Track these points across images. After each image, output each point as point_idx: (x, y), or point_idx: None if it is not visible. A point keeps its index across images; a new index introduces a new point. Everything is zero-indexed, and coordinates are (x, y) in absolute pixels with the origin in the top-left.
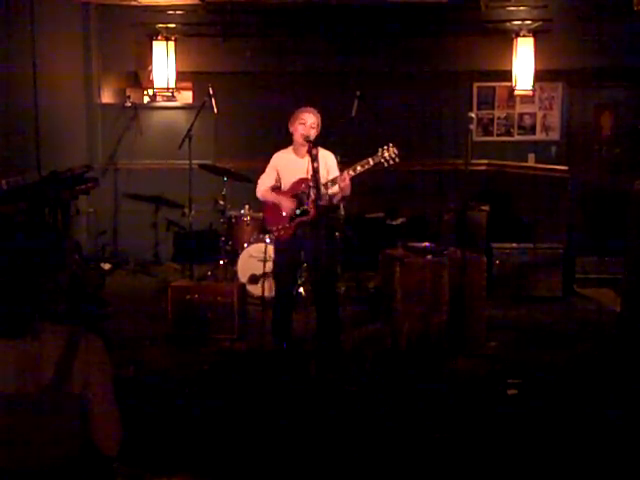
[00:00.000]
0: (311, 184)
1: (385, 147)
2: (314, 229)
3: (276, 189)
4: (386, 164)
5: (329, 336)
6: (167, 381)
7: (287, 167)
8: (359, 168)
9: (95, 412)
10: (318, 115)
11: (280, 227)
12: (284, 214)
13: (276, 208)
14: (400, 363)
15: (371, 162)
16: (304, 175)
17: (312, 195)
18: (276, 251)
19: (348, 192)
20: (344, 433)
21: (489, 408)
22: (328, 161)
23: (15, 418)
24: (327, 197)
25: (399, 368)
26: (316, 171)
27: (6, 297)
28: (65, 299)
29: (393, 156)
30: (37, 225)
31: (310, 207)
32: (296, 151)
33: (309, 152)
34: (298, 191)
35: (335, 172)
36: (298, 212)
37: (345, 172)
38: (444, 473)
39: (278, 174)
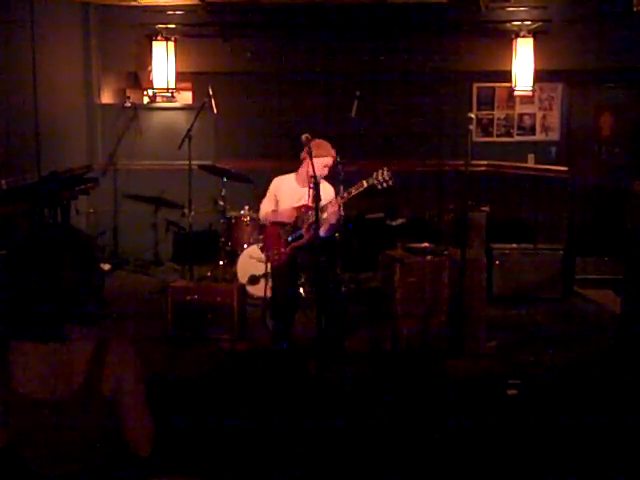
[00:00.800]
0: (310, 211)
1: (380, 170)
2: (312, 254)
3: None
4: (379, 187)
5: (333, 338)
6: (167, 381)
7: (286, 194)
8: (353, 191)
9: (127, 414)
10: (334, 154)
11: (275, 252)
12: (281, 240)
13: (274, 233)
14: (400, 363)
15: (365, 184)
16: (302, 200)
17: (309, 219)
18: (273, 276)
19: (334, 220)
20: (344, 433)
21: (489, 408)
22: (328, 195)
23: (47, 423)
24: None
25: (399, 368)
26: (314, 198)
27: (36, 300)
28: (95, 299)
29: (387, 179)
30: (64, 225)
31: (304, 231)
32: (298, 179)
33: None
34: (298, 215)
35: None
36: (291, 238)
37: (338, 197)
38: (444, 473)
39: (277, 200)
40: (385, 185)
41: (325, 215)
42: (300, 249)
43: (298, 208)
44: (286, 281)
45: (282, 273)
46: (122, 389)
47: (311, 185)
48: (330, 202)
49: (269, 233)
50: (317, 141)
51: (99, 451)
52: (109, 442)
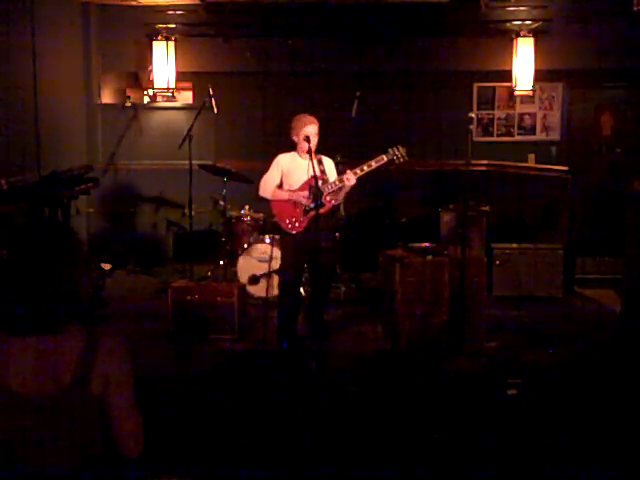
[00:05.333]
0: (322, 182)
1: (394, 147)
2: (326, 220)
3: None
4: (397, 161)
5: (316, 312)
6: (167, 381)
7: (293, 168)
8: (373, 164)
9: (116, 413)
10: (317, 122)
11: (294, 220)
12: (298, 210)
13: (287, 203)
14: (400, 363)
15: (385, 158)
16: (309, 173)
17: (327, 189)
18: (285, 248)
19: (349, 190)
20: (344, 433)
21: (489, 408)
22: (329, 163)
23: (35, 419)
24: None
25: (399, 368)
26: (323, 172)
27: (25, 295)
28: (86, 297)
29: (403, 154)
30: (51, 222)
31: (325, 200)
32: (300, 155)
33: (309, 154)
34: (310, 187)
35: (334, 173)
36: (313, 205)
37: (357, 168)
38: (443, 473)
39: (282, 174)
40: (402, 160)
41: (342, 184)
42: (315, 217)
43: (308, 182)
44: (298, 251)
45: (296, 243)
46: (111, 388)
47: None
48: (348, 172)
49: (283, 205)
50: (299, 118)
51: (88, 450)
52: (98, 441)
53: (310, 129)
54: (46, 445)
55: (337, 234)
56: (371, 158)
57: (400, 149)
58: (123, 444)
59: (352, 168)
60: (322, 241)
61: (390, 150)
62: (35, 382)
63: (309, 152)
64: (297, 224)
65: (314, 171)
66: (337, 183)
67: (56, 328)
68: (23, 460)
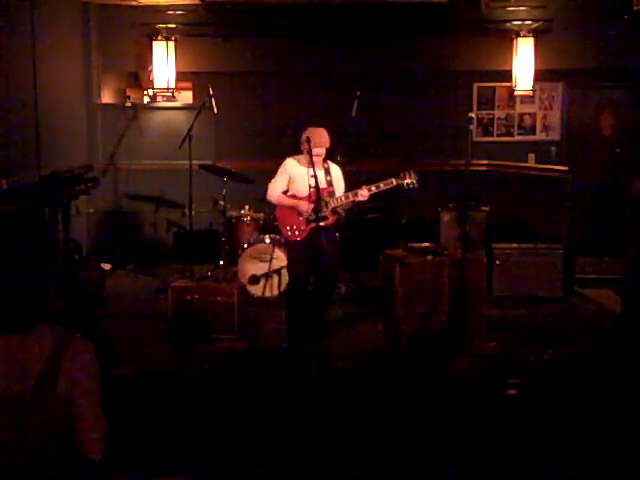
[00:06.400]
0: (328, 194)
1: (407, 172)
2: (328, 233)
3: (285, 194)
4: (405, 187)
5: (317, 311)
6: (167, 381)
7: (299, 175)
8: (382, 186)
9: (80, 415)
10: (326, 134)
11: (295, 228)
12: (300, 218)
13: (291, 210)
14: (400, 363)
15: (394, 182)
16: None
17: (332, 203)
18: (290, 248)
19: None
20: (344, 433)
21: (489, 408)
22: (337, 173)
23: (1, 418)
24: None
25: (399, 368)
26: (330, 183)
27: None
28: (63, 298)
29: (414, 181)
30: (26, 222)
31: (328, 213)
32: (308, 161)
33: (311, 165)
34: (315, 198)
35: (342, 184)
36: (315, 217)
37: (367, 188)
38: (444, 473)
39: (290, 179)
40: (411, 186)
41: (352, 199)
42: (317, 227)
43: (313, 195)
44: (302, 258)
45: (299, 248)
46: (77, 390)
47: (313, 175)
48: (361, 189)
49: (286, 212)
50: (312, 129)
51: (51, 450)
52: (62, 441)
53: (317, 151)
54: (10, 445)
55: (337, 234)
56: (381, 179)
57: (412, 174)
58: (87, 447)
59: (367, 184)
60: (325, 244)
61: (401, 174)
62: (1, 382)
63: (312, 167)
64: (297, 232)
65: (316, 181)
66: (350, 197)
67: (24, 328)
68: None
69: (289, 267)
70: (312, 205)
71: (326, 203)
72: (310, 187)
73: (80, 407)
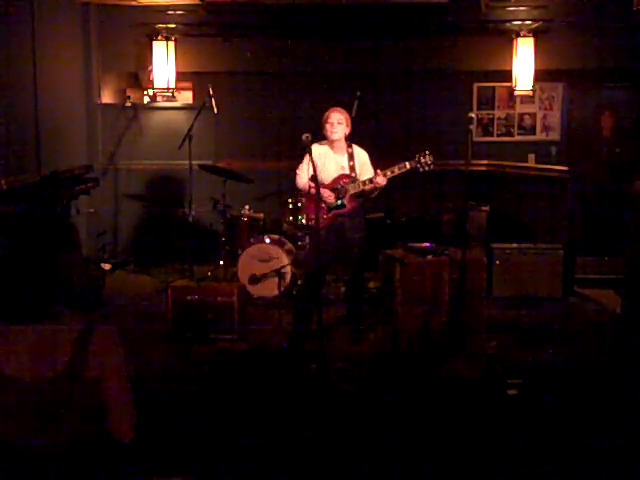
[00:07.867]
0: (349, 180)
1: (422, 153)
2: (351, 220)
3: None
4: (421, 169)
5: (356, 311)
6: (167, 381)
7: (324, 158)
8: (396, 171)
9: (109, 399)
10: (344, 112)
11: (317, 216)
12: (322, 205)
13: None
14: (400, 363)
15: (408, 166)
16: (340, 168)
17: (350, 190)
18: (311, 240)
19: (375, 193)
20: (344, 433)
21: (489, 408)
22: (361, 158)
23: (30, 404)
24: (364, 193)
25: (399, 368)
26: (352, 168)
27: (22, 281)
28: (82, 282)
29: (429, 162)
30: (48, 214)
31: (347, 201)
32: (331, 146)
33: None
34: (338, 185)
35: (368, 168)
36: (336, 204)
37: (382, 173)
38: (444, 473)
39: (314, 165)
40: (427, 168)
41: (371, 186)
42: (339, 215)
43: (337, 182)
44: (321, 248)
45: (319, 237)
46: (105, 374)
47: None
48: (375, 177)
49: (310, 199)
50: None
51: (82, 433)
52: (92, 425)
53: (330, 115)
54: (41, 429)
55: (362, 220)
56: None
57: (427, 156)
58: (116, 429)
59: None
60: (348, 232)
61: (417, 156)
62: (31, 368)
63: (309, 156)
64: (320, 220)
65: (315, 168)
66: (367, 184)
67: (52, 316)
68: (16, 443)
69: (305, 261)
70: (333, 193)
71: (345, 190)
72: (338, 173)
73: (108, 391)
